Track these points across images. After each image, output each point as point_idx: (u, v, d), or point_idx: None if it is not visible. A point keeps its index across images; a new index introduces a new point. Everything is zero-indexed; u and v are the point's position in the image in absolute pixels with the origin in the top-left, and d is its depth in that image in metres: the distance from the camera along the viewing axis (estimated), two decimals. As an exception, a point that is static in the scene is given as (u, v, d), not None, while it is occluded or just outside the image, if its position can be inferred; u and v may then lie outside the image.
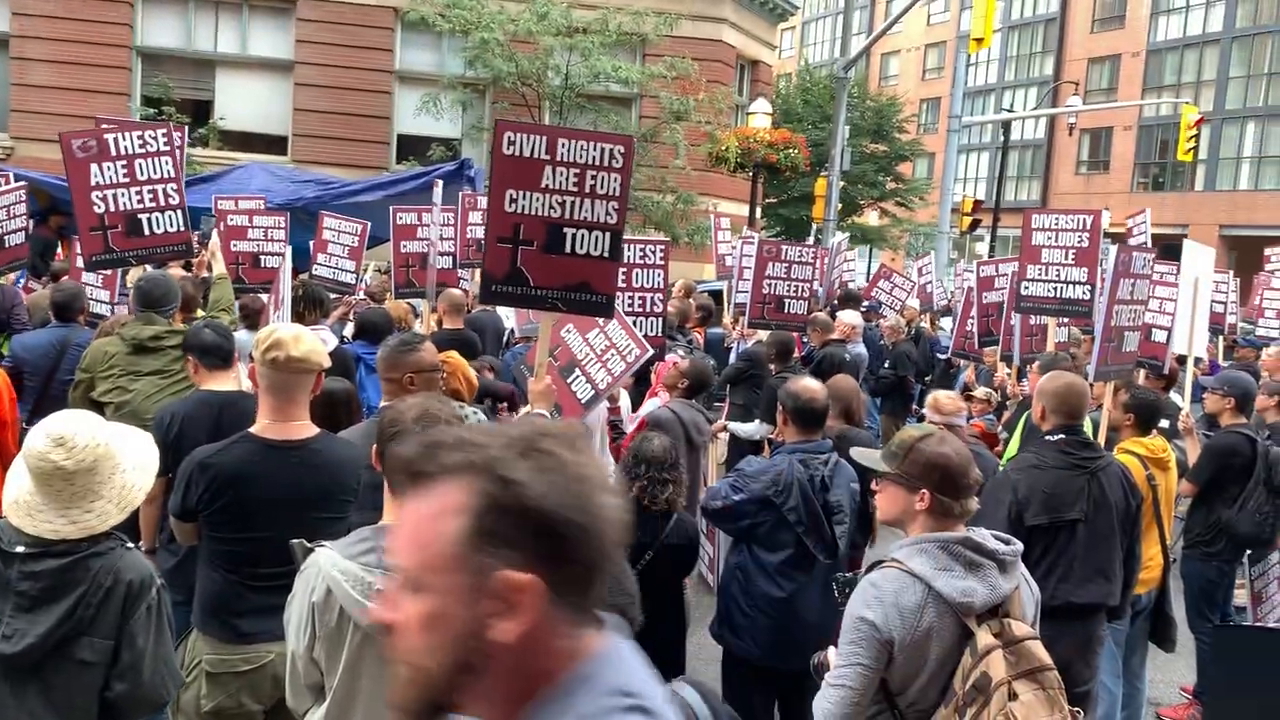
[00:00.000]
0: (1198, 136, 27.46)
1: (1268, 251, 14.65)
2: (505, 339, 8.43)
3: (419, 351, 3.76)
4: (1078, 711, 2.61)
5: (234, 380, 4.13)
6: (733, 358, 9.17)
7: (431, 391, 3.40)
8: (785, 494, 3.95)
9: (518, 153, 4.24)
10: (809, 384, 4.22)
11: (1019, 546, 2.70)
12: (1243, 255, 37.79)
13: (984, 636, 2.51)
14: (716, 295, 13.10)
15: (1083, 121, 42.82)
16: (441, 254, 8.92)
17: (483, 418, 4.86)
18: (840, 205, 25.64)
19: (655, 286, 6.82)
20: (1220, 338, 11.03)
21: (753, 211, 20.68)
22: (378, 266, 13.06)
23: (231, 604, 3.18)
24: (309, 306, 6.27)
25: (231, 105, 19.52)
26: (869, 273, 20.51)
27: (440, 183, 9.05)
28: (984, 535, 2.66)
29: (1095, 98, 44.59)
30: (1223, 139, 41.38)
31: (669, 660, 4.04)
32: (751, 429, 7.26)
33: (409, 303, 8.40)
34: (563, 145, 4.28)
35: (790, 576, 3.98)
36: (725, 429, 7.79)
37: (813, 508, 3.96)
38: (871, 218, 34.46)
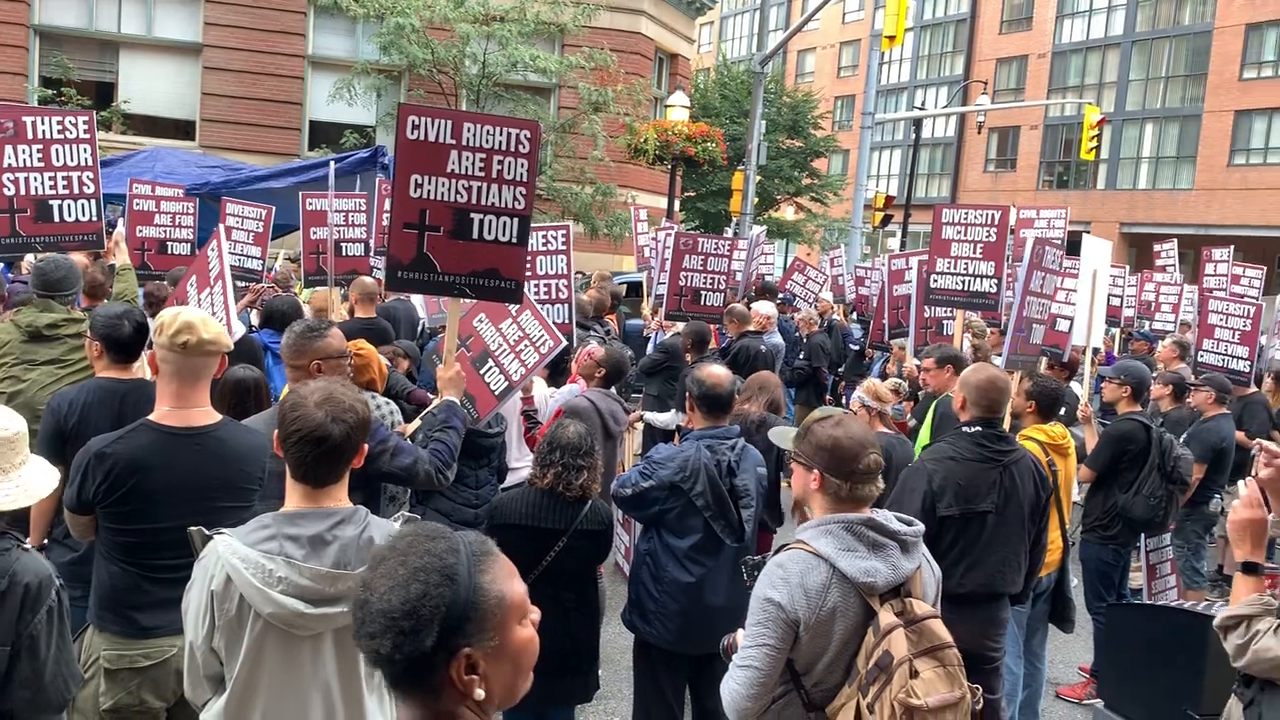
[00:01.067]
0: (1099, 136, 28.36)
1: (1157, 248, 15.23)
2: (420, 330, 8.34)
3: (325, 338, 3.69)
4: (976, 688, 2.67)
5: (135, 369, 4.00)
6: (651, 349, 9.21)
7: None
8: (693, 479, 3.98)
9: (422, 137, 4.19)
10: (715, 370, 4.25)
11: (920, 527, 2.76)
12: (1141, 252, 39.23)
13: (886, 615, 2.56)
14: (636, 287, 13.13)
15: (991, 120, 43.94)
16: (354, 241, 8.78)
17: (395, 409, 4.80)
18: (757, 199, 25.89)
19: (560, 273, 6.82)
20: (1118, 330, 11.44)
21: (671, 204, 20.78)
22: (287, 254, 12.77)
23: (130, 597, 3.07)
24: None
25: (136, 88, 18.90)
26: (785, 266, 20.79)
27: (333, 167, 8.96)
28: (887, 516, 2.72)
29: (1003, 97, 45.74)
30: (1123, 139, 42.83)
31: (584, 648, 4.04)
32: (666, 418, 7.30)
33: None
34: (468, 130, 4.24)
35: (699, 561, 4.01)
36: (641, 419, 7.82)
37: (720, 492, 4.00)
38: (788, 213, 34.87)
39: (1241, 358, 7.75)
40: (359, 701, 2.47)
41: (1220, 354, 7.86)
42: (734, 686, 2.64)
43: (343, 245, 8.69)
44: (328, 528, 2.40)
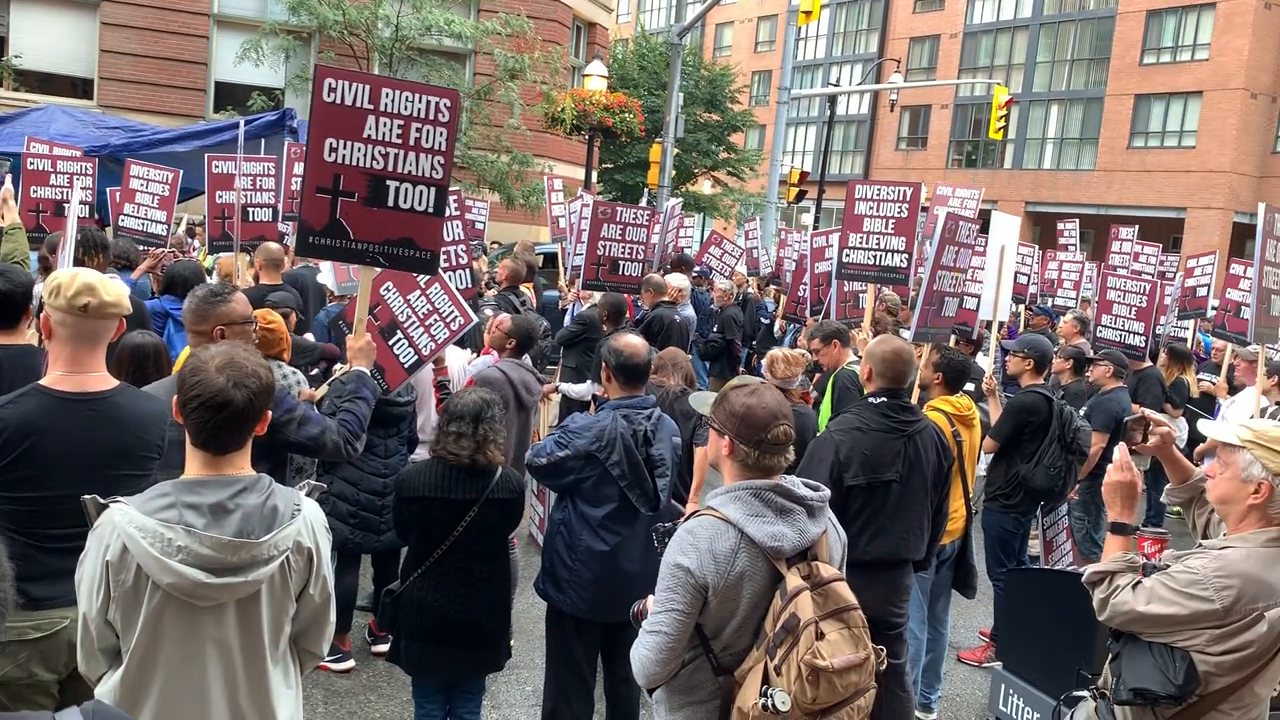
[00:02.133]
0: (1007, 117, 29.03)
1: (1061, 226, 15.71)
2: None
3: (229, 302, 3.58)
4: (880, 649, 2.74)
5: (23, 333, 3.83)
6: (568, 320, 9.17)
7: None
8: (609, 449, 3.99)
9: (339, 100, 4.09)
10: (631, 340, 4.26)
11: (826, 493, 2.81)
12: (1045, 231, 40.34)
13: (793, 579, 2.59)
14: (551, 258, 13.05)
15: (903, 99, 44.67)
16: (262, 206, 8.56)
17: (301, 378, 4.70)
18: (675, 172, 25.93)
19: (457, 239, 6.78)
20: (1023, 306, 11.77)
21: (589, 176, 20.68)
22: (191, 219, 12.37)
23: (20, 568, 2.95)
24: (89, 252, 5.90)
25: (29, 42, 18.06)
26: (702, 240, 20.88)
27: (242, 129, 8.72)
28: (794, 482, 2.76)
29: (916, 76, 46.49)
30: (1029, 120, 43.91)
31: (496, 619, 4.03)
32: (583, 389, 7.29)
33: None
34: (387, 95, 4.15)
35: (613, 530, 4.03)
36: (557, 390, 7.79)
37: (635, 461, 4.01)
38: (705, 187, 35.00)
39: (1138, 333, 8.03)
40: (263, 674, 2.42)
41: (1118, 329, 8.13)
42: (643, 652, 2.66)
43: (249, 210, 8.45)
44: (229, 496, 2.34)
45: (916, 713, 5.19)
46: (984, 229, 8.59)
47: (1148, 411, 3.09)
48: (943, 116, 47.30)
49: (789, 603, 2.57)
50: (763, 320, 12.59)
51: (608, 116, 19.67)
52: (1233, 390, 8.80)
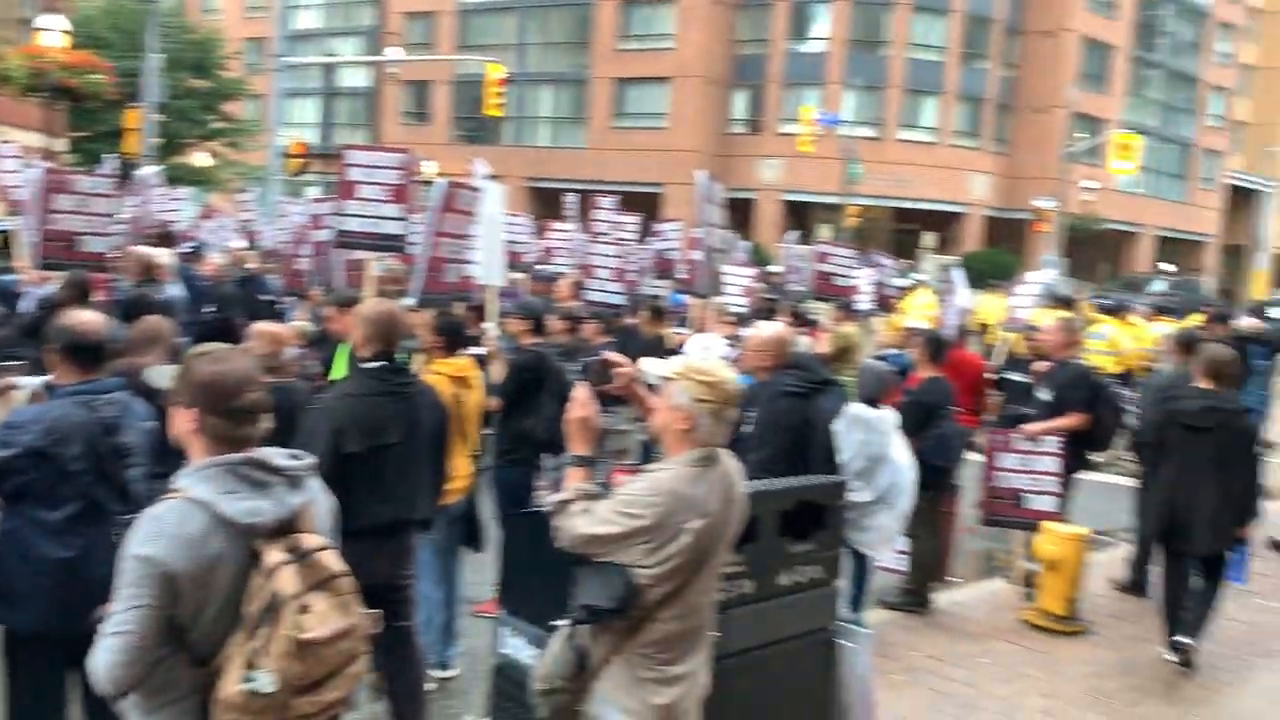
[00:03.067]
0: (503, 95, 30.12)
1: (564, 200, 16.75)
2: None
3: None
4: (375, 613, 2.68)
5: None
6: (27, 304, 7.98)
7: None
8: (65, 442, 3.51)
9: None
10: (83, 316, 3.78)
11: (310, 460, 2.69)
12: (546, 205, 42.61)
13: (274, 555, 2.46)
14: (7, 235, 11.31)
15: (406, 74, 44.68)
16: None
17: None
18: (163, 141, 23.69)
19: None
20: (520, 275, 12.30)
21: (53, 144, 18.20)
22: None
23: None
24: None
25: None
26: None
27: None
28: (271, 453, 2.61)
29: (415, 51, 46.64)
30: (525, 99, 46.02)
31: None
32: (33, 381, 6.38)
33: None
34: None
35: (77, 533, 3.55)
36: (13, 386, 6.76)
37: (100, 454, 3.58)
38: (201, 158, 32.43)
39: (617, 293, 8.75)
40: None
41: (600, 290, 8.81)
42: (105, 656, 2.39)
43: None
44: None
45: (435, 671, 5.27)
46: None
47: (609, 354, 3.35)
48: (444, 92, 48.03)
49: (270, 579, 2.43)
50: (263, 297, 11.93)
51: (69, 77, 17.42)
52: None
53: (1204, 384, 6.05)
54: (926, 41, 41.81)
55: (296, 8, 47.40)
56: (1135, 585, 7.26)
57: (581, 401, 3.11)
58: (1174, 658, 5.95)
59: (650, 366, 3.12)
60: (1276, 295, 48.11)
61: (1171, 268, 47.75)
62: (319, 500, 2.73)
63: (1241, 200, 55.13)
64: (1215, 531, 5.86)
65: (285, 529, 2.54)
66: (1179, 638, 5.88)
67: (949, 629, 6.42)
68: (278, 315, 10.35)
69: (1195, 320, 11.70)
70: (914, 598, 6.68)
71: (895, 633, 6.28)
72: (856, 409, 6.06)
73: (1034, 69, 44.31)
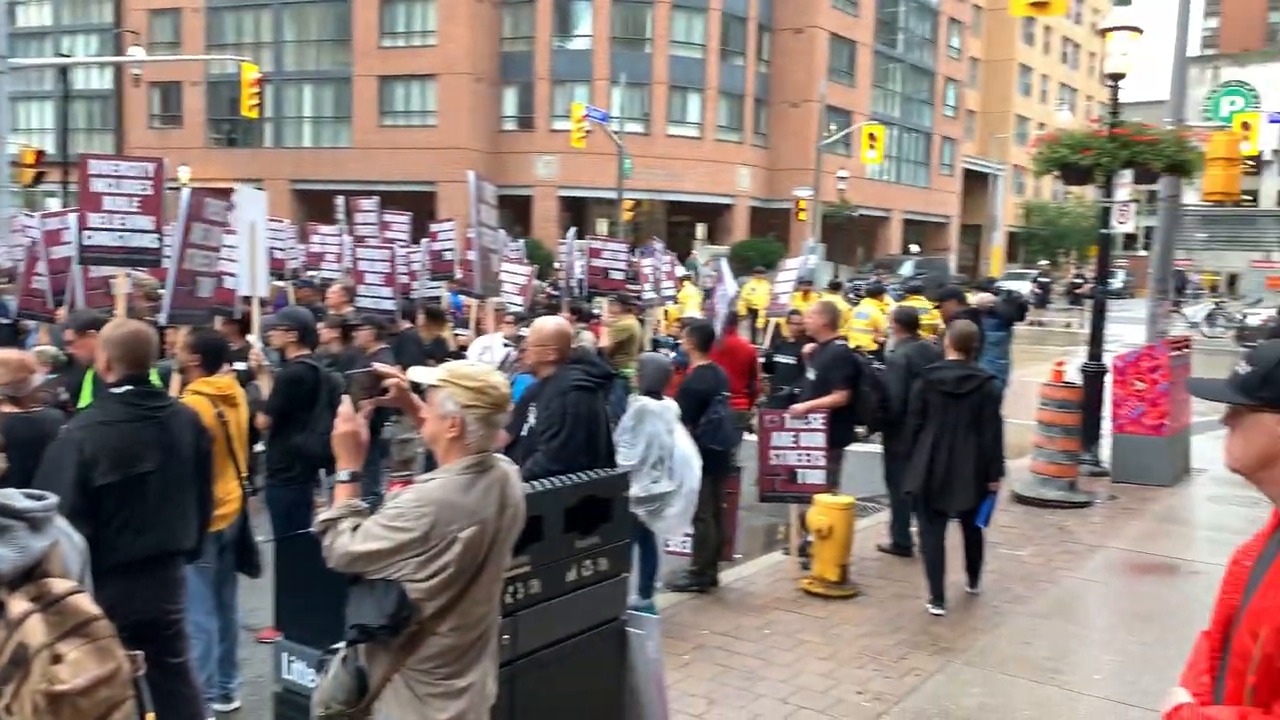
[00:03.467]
0: (261, 95, 28.80)
1: (335, 202, 16.22)
2: None
3: None
4: (136, 654, 2.53)
5: None
6: None
7: None
8: None
9: None
10: None
11: (53, 500, 2.51)
12: (314, 208, 41.08)
13: (18, 604, 2.27)
14: None
15: (151, 74, 41.84)
16: None
17: None
18: None
19: None
20: (285, 281, 11.84)
21: None
22: None
23: None
24: None
25: None
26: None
27: None
28: (10, 494, 2.41)
29: (160, 50, 43.84)
30: (285, 99, 44.16)
31: None
32: None
33: None
34: None
35: None
36: None
37: None
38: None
39: (388, 298, 8.56)
40: None
41: (372, 296, 8.59)
42: None
43: None
44: None
45: (217, 705, 5.03)
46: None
47: (378, 365, 3.29)
48: (196, 94, 45.43)
49: (15, 631, 2.25)
50: (1, 320, 10.93)
51: None
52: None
53: (954, 355, 6.75)
54: (687, 39, 43.06)
55: (22, 3, 43.61)
56: (898, 547, 7.81)
57: (346, 416, 3.01)
58: (939, 611, 6.50)
59: (417, 375, 3.06)
60: (1011, 270, 52.74)
61: (917, 248, 51.39)
62: (66, 540, 2.56)
63: (977, 183, 59.96)
64: (973, 488, 6.50)
65: (29, 575, 2.36)
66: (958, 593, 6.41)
67: (734, 604, 6.69)
68: (18, 340, 9.52)
69: (930, 306, 12.57)
70: (700, 578, 6.92)
71: (684, 613, 6.49)
72: (644, 401, 6.23)
73: (787, 65, 46.50)
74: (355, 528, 2.83)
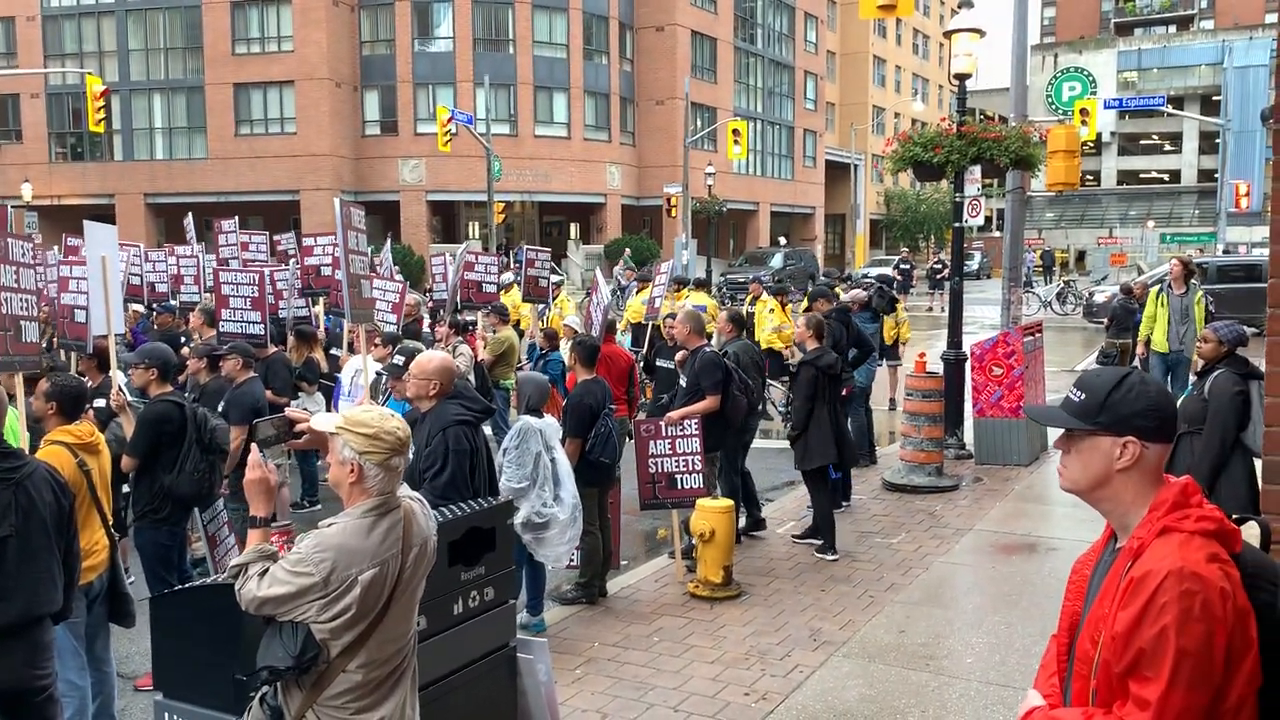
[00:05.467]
0: (107, 107, 27.56)
1: (185, 222, 15.62)
2: None
3: None
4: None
5: None
6: None
7: None
8: None
9: None
10: None
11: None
12: (170, 222, 39.58)
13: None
14: None
15: (-17, 86, 39.63)
16: None
17: None
18: None
19: None
20: (150, 307, 11.42)
21: None
22: None
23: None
24: None
25: None
26: None
27: None
28: None
29: (-7, 61, 41.59)
30: (134, 110, 42.32)
31: None
32: None
33: None
34: None
35: None
36: None
37: None
38: None
39: (256, 321, 8.35)
40: None
41: (238, 321, 8.37)
42: None
43: None
44: None
45: (93, 766, 4.86)
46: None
47: (290, 411, 3.31)
48: (36, 106, 43.14)
49: None
50: None
51: None
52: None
53: (815, 345, 8.15)
54: (550, 39, 42.97)
55: None
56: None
57: (255, 463, 3.07)
58: (834, 557, 7.75)
59: (318, 422, 3.09)
60: (875, 257, 54.43)
61: (784, 240, 52.56)
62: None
63: (839, 174, 61.63)
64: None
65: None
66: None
67: (622, 614, 6.78)
68: None
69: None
70: (588, 589, 6.99)
71: (574, 626, 6.55)
72: (528, 420, 6.25)
73: (650, 63, 46.88)
74: (263, 573, 2.88)
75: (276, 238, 14.40)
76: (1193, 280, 12.27)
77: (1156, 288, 12.51)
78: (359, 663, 2.89)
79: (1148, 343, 12.13)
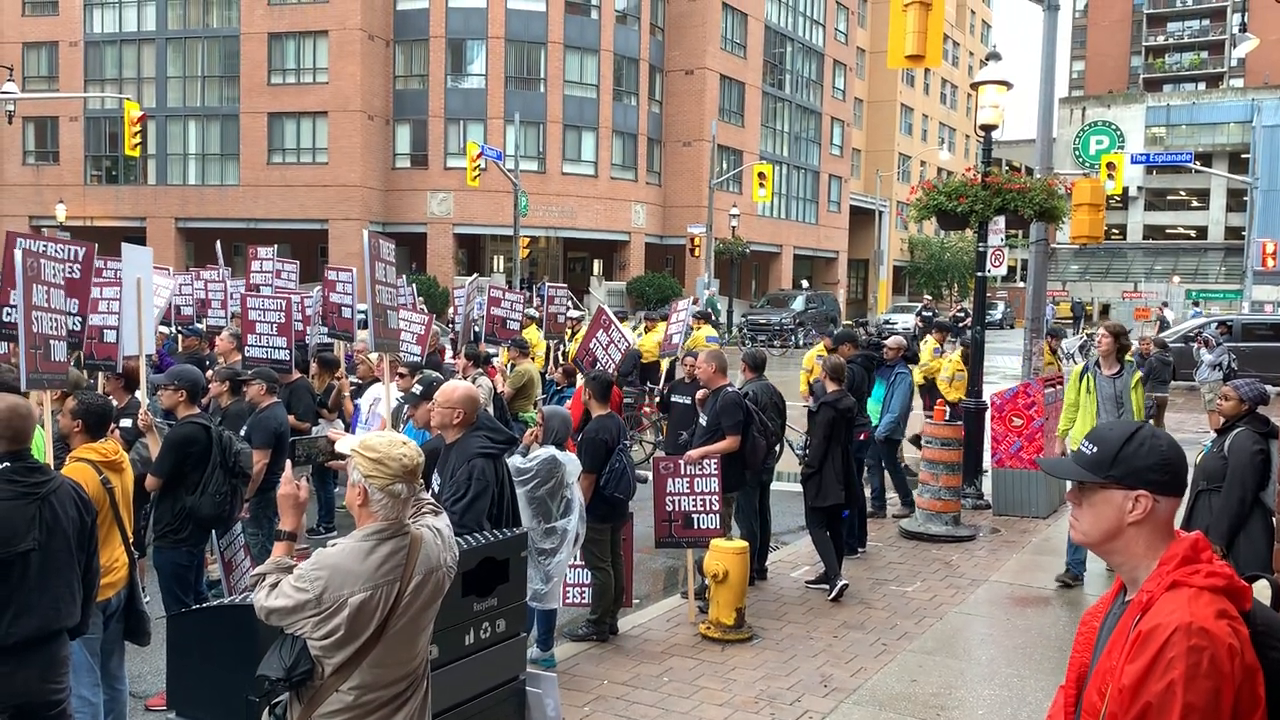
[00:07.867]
0: (143, 132, 28.07)
1: (216, 246, 15.86)
2: None
3: None
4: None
5: None
6: None
7: None
8: None
9: None
10: None
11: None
12: (200, 247, 40.09)
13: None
14: None
15: (25, 110, 40.38)
16: None
17: None
18: None
19: None
20: (178, 330, 11.57)
21: None
22: None
23: None
24: None
25: None
26: None
27: None
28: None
29: (36, 85, 42.45)
30: (169, 135, 43.03)
31: None
32: None
33: None
34: None
35: None
36: None
37: None
38: None
39: (282, 347, 8.46)
40: None
41: (264, 346, 8.48)
42: None
43: None
44: None
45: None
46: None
47: (332, 431, 3.38)
48: (74, 129, 43.93)
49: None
50: None
51: None
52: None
53: (834, 387, 8.35)
54: (581, 79, 43.48)
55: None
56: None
57: (287, 478, 3.17)
58: (841, 583, 7.89)
59: (341, 444, 3.17)
60: (897, 303, 54.33)
61: (806, 283, 52.65)
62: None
63: (863, 219, 61.80)
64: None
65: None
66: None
67: (633, 652, 6.77)
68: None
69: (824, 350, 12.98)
70: (599, 627, 6.98)
71: (584, 664, 6.54)
72: (552, 453, 6.28)
73: (679, 105, 47.33)
74: (275, 584, 2.95)
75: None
76: (1129, 358, 8.87)
77: (1080, 368, 8.94)
78: (351, 684, 2.91)
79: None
